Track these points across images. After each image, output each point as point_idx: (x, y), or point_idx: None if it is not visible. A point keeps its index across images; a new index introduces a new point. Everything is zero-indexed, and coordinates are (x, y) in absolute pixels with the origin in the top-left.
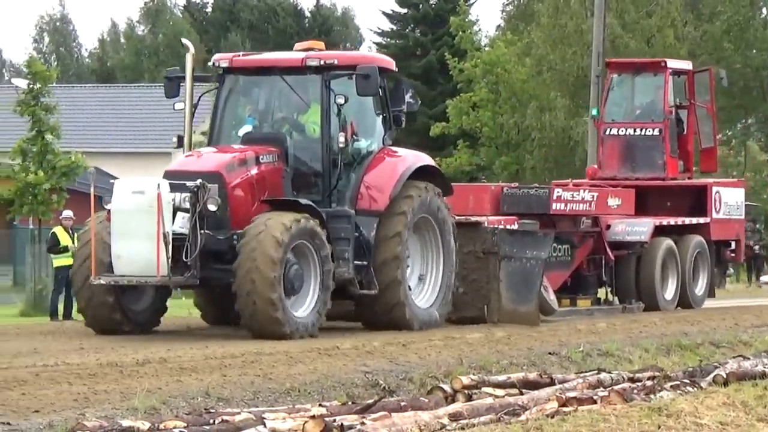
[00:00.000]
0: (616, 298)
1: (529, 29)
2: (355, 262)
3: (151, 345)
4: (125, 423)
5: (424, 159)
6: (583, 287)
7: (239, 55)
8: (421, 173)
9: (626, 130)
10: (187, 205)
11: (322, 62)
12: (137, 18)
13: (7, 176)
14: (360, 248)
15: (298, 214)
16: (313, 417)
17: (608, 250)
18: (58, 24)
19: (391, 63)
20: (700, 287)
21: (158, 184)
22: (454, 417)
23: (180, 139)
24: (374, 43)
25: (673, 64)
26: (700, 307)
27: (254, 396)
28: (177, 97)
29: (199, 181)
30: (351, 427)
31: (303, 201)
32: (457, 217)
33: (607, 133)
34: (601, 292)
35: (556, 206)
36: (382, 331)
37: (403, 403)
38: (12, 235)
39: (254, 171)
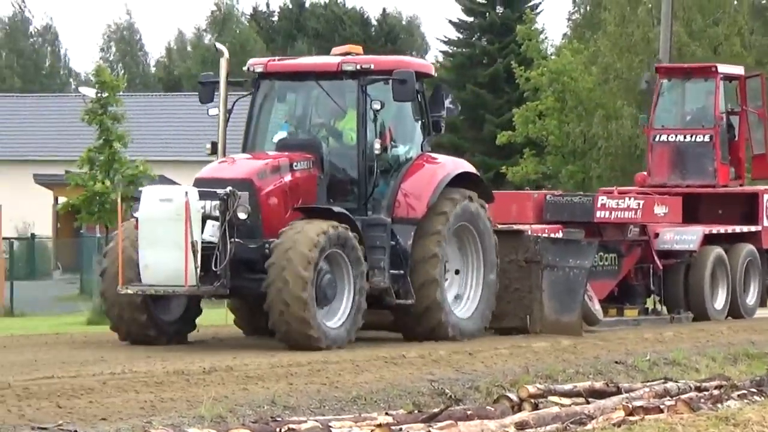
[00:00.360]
0: (664, 308)
1: (595, 37)
2: (392, 271)
3: (217, 353)
4: (192, 431)
5: (463, 166)
6: (630, 297)
7: (274, 60)
8: (462, 181)
9: (676, 136)
10: (217, 213)
11: (358, 67)
12: (204, 26)
13: (76, 184)
14: (396, 257)
15: (330, 223)
16: (379, 425)
17: (656, 259)
18: (125, 33)
19: (430, 68)
20: (752, 296)
21: (186, 192)
22: (521, 426)
23: (214, 145)
24: (440, 51)
25: (723, 69)
26: (751, 316)
27: (320, 404)
28: (211, 102)
29: (229, 188)
30: None
31: (336, 209)
32: (499, 226)
33: (657, 139)
34: (650, 302)
35: (600, 214)
36: (444, 342)
37: (469, 412)
38: (79, 243)
39: (288, 178)
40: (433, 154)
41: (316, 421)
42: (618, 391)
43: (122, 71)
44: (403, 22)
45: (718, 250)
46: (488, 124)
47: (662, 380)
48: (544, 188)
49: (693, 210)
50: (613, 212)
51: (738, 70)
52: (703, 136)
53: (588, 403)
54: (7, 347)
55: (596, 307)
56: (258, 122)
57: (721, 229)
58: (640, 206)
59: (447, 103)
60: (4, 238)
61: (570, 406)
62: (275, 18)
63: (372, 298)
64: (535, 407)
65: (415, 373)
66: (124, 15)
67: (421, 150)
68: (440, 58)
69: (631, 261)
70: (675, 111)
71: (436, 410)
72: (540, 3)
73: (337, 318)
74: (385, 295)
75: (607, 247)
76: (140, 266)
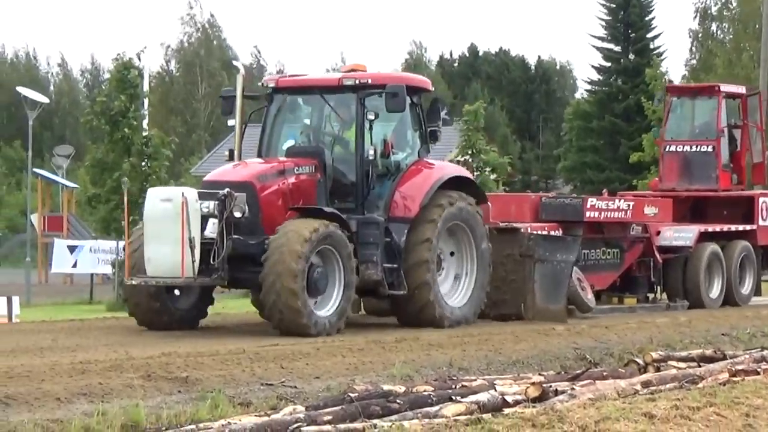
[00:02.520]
0: (665, 297)
1: (708, 78)
2: (386, 264)
3: (403, 328)
4: (386, 387)
5: (455, 171)
6: (633, 287)
7: (285, 76)
8: (457, 183)
9: (683, 147)
10: (216, 212)
11: (356, 82)
12: (400, 71)
13: None
14: (392, 252)
15: (321, 221)
16: (533, 383)
17: (657, 253)
18: None
19: (427, 83)
20: (747, 287)
21: (182, 193)
22: (645, 384)
23: (231, 152)
24: (585, 90)
25: (726, 88)
26: (746, 304)
27: (487, 366)
28: (231, 114)
29: (226, 189)
30: (563, 391)
31: (327, 209)
32: (501, 224)
33: (667, 150)
34: (658, 292)
35: (590, 214)
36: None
37: (605, 373)
38: None
39: (289, 181)
40: (430, 160)
41: (484, 379)
42: (724, 358)
43: None
44: (557, 67)
45: (713, 246)
46: (623, 146)
47: (760, 348)
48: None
49: (702, 211)
50: (602, 213)
51: (740, 89)
52: (707, 147)
53: (699, 366)
54: (247, 320)
55: (589, 297)
56: (271, 131)
57: (717, 227)
58: (630, 207)
59: (443, 114)
60: None
61: (685, 368)
62: (456, 64)
63: (367, 289)
64: (657, 370)
65: (562, 342)
66: (339, 62)
67: (418, 157)
68: (585, 95)
69: (633, 255)
70: (683, 125)
71: (578, 371)
72: (664, 51)
73: (328, 307)
74: (378, 287)
75: (609, 243)
76: (145, 260)
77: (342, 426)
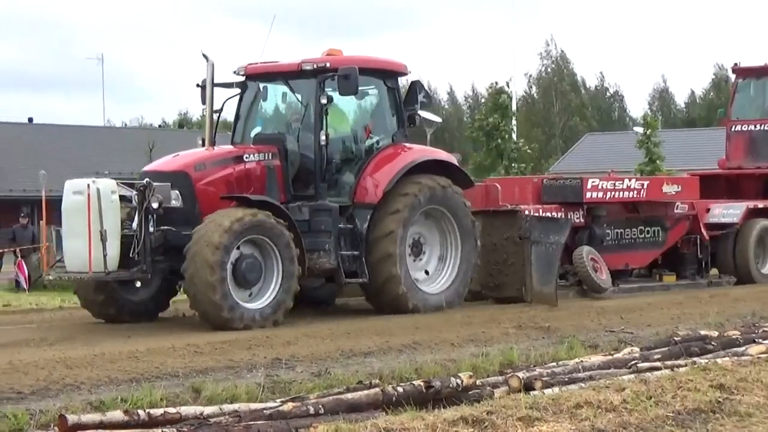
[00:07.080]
0: (712, 273)
1: None
2: (344, 252)
3: (712, 288)
4: (702, 332)
5: (432, 154)
6: (680, 264)
7: (254, 64)
8: (439, 168)
9: (749, 126)
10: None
11: (315, 66)
12: (707, 87)
13: None
14: (354, 239)
15: (248, 210)
16: None
17: (703, 230)
18: (663, 94)
19: (400, 66)
20: None
21: (88, 185)
22: None
23: (203, 140)
24: None
25: None
26: None
27: None
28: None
29: (146, 180)
30: None
31: (255, 197)
32: (509, 206)
33: (733, 129)
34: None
35: (591, 195)
36: None
37: None
38: None
39: (235, 169)
40: (407, 144)
41: None
42: None
43: (660, 115)
44: None
45: (764, 222)
46: None
47: None
48: None
49: None
50: (608, 193)
51: None
52: None
53: None
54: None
55: (602, 278)
56: (244, 119)
57: None
58: (644, 186)
59: (420, 97)
60: None
61: None
62: None
63: (322, 277)
64: None
65: None
66: (661, 83)
67: (393, 141)
68: None
69: (677, 233)
70: (750, 105)
71: None
72: None
73: (264, 298)
74: (334, 274)
75: (648, 221)
76: (63, 253)
77: (668, 362)
